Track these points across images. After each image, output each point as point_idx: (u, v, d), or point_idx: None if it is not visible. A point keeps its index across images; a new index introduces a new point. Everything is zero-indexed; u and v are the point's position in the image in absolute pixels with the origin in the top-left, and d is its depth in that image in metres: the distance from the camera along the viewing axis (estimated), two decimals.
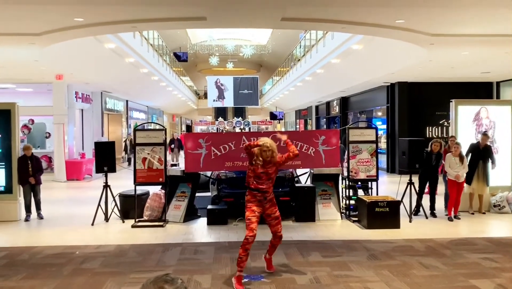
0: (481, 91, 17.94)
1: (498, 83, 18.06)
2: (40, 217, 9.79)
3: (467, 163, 9.48)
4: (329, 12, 8.60)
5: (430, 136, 17.83)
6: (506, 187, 10.35)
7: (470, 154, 9.88)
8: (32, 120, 18.27)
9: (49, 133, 18.30)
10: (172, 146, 22.06)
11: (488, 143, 10.02)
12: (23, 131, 17.87)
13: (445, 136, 16.96)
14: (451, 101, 10.65)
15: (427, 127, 18.27)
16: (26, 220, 9.65)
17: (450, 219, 9.29)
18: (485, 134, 9.95)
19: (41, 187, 9.99)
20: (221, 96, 42.14)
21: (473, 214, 9.83)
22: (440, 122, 18.22)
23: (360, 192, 10.46)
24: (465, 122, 10.51)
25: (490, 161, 9.95)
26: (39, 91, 17.83)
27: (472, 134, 10.40)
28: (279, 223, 5.90)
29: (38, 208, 9.89)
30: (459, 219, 9.36)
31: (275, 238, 5.96)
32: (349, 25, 9.33)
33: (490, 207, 10.08)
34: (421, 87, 18.30)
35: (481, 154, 9.83)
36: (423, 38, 10.12)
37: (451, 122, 10.80)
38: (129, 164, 21.99)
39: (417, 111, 18.32)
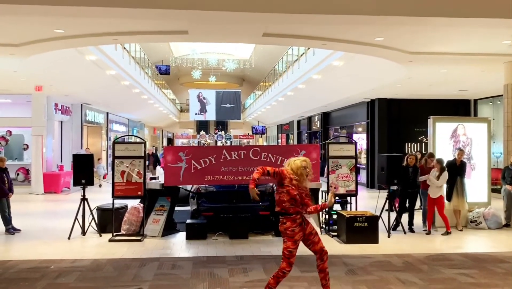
0: (459, 108, 18.32)
1: (475, 101, 18.45)
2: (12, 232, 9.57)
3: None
4: (310, 29, 8.71)
5: (409, 152, 18.05)
6: (483, 203, 10.51)
7: (448, 171, 9.99)
8: (10, 132, 17.98)
9: (27, 145, 18.01)
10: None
11: (464, 159, 10.20)
12: (0, 143, 17.58)
13: (423, 152, 17.20)
14: (429, 118, 10.82)
15: (406, 143, 18.52)
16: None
17: (428, 233, 9.40)
18: (461, 150, 10.13)
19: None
20: (203, 109, 42.05)
21: (461, 230, 9.86)
22: (419, 138, 18.48)
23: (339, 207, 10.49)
24: (443, 139, 10.67)
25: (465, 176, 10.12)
26: (17, 102, 17.61)
27: (450, 150, 10.56)
28: (319, 237, 5.28)
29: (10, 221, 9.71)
30: (437, 231, 9.49)
31: (321, 257, 5.18)
32: (329, 42, 9.46)
33: (467, 222, 10.20)
34: (401, 104, 18.58)
35: (458, 170, 9.98)
36: (401, 56, 10.31)
37: (429, 138, 10.95)
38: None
39: (397, 127, 18.55)
